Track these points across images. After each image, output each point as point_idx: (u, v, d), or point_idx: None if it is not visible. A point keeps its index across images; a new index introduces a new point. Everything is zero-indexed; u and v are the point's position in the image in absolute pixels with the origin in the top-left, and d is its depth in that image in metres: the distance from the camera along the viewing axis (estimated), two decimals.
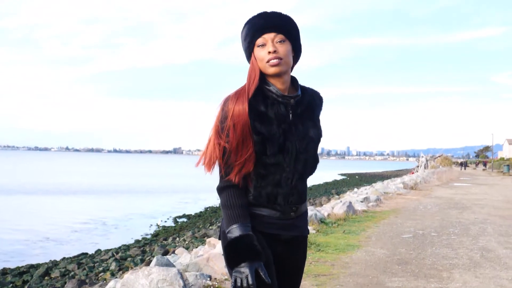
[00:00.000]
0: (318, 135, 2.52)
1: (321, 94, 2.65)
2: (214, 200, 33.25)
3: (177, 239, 19.63)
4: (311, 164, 2.50)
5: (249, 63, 2.45)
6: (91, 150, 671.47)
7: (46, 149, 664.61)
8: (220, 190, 2.37)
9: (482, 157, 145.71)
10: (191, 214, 29.01)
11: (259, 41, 2.40)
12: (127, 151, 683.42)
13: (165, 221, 26.44)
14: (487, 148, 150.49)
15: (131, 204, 34.36)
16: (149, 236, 21.77)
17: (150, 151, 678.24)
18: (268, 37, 2.39)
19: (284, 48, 2.39)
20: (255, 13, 2.50)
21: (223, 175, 2.36)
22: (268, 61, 2.35)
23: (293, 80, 2.53)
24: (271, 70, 2.37)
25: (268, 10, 2.48)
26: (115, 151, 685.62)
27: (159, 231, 23.16)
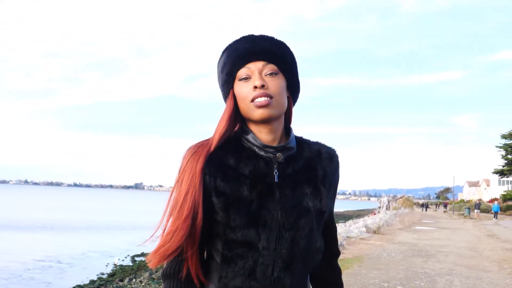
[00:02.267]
0: (321, 207, 1.74)
1: (337, 152, 1.90)
2: None
3: (134, 280, 18.97)
4: (305, 249, 1.70)
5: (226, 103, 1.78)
6: (51, 183, 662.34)
7: (4, 182, 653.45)
8: (163, 277, 1.74)
9: (443, 198, 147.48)
10: (149, 253, 28.17)
11: (242, 72, 1.72)
12: (88, 186, 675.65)
13: (123, 260, 25.63)
14: (447, 190, 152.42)
15: (89, 241, 33.41)
16: (105, 276, 20.99)
17: (111, 186, 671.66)
18: (254, 67, 1.71)
19: (276, 83, 1.70)
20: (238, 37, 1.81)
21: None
22: (253, 100, 1.67)
23: (287, 130, 1.83)
24: (258, 114, 1.67)
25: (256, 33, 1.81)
26: (75, 185, 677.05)
27: (116, 270, 22.36)
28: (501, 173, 64.39)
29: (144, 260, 24.97)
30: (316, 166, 1.79)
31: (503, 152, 62.56)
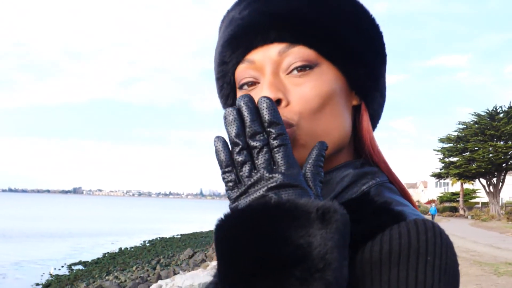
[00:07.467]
0: None
1: (422, 233, 0.70)
2: (111, 245, 31.82)
3: None
4: None
5: None
6: None
7: None
8: None
9: None
10: (87, 261, 27.28)
11: (242, 71, 0.83)
12: (24, 191, 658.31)
13: (59, 269, 24.77)
14: None
15: (22, 250, 32.18)
16: (40, 287, 20.23)
17: (48, 191, 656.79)
18: (263, 58, 0.80)
19: (311, 88, 0.78)
20: None
21: None
22: None
23: (353, 177, 0.88)
24: None
25: None
26: (10, 190, 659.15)
27: (51, 281, 21.54)
28: (438, 176, 65.48)
29: (82, 269, 24.28)
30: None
31: (441, 156, 63.62)
